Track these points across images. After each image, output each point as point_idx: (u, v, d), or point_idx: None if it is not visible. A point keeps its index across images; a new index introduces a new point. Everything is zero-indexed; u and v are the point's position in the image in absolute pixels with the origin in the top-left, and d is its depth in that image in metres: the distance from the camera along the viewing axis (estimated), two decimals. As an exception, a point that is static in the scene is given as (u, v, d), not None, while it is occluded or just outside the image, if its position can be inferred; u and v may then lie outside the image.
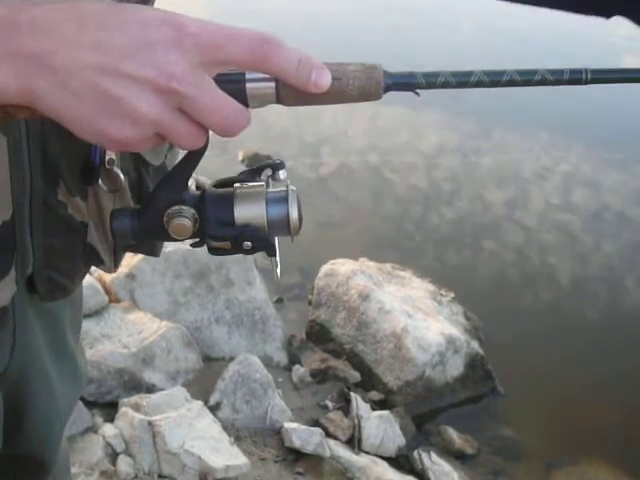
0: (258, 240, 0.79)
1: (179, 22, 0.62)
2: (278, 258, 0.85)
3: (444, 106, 7.24)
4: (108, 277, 3.24)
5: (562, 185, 6.11)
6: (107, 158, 0.90)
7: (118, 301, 3.23)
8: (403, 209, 5.52)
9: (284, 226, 0.80)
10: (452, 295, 4.10)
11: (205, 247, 0.82)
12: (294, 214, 0.80)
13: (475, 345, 3.80)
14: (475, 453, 3.44)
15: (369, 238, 5.09)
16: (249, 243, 0.78)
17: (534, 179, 6.20)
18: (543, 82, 0.70)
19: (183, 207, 0.77)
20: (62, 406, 1.13)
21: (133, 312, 3.17)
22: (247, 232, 0.78)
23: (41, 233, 0.88)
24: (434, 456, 3.23)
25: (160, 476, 2.55)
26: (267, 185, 0.82)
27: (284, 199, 0.80)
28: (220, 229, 0.78)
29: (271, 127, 6.81)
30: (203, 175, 3.89)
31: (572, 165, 6.50)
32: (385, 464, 3.11)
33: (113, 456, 2.57)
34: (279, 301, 4.13)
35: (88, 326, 2.95)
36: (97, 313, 3.07)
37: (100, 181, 0.91)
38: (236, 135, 0.67)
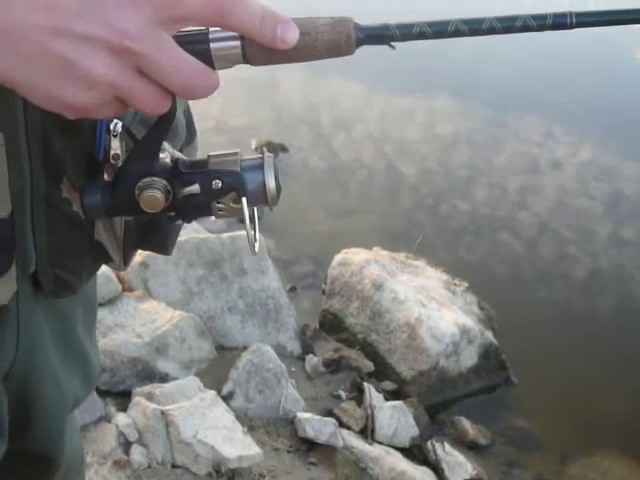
0: (228, 176, 0.76)
1: None
2: (257, 228, 0.82)
3: (459, 94, 7.21)
4: (121, 266, 3.24)
5: (578, 175, 6.08)
6: (112, 153, 0.86)
7: (131, 290, 3.23)
8: (417, 198, 5.51)
9: (261, 195, 0.77)
10: (466, 285, 4.08)
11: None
12: (271, 182, 0.77)
13: (489, 335, 3.79)
14: (489, 444, 3.43)
15: (383, 227, 5.07)
16: (219, 181, 0.75)
17: (550, 169, 6.17)
18: (525, 28, 0.67)
19: (154, 178, 0.74)
20: (70, 403, 1.12)
21: (146, 301, 3.17)
22: (216, 171, 0.76)
23: (44, 230, 0.85)
24: (447, 446, 3.23)
25: (173, 466, 2.55)
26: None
27: (259, 166, 0.77)
28: (189, 174, 0.76)
29: (285, 115, 6.81)
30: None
31: (588, 155, 6.46)
32: (398, 454, 3.11)
33: (126, 445, 2.57)
34: (292, 290, 4.12)
35: (102, 315, 2.94)
36: (110, 302, 3.07)
37: (106, 177, 0.88)
38: (202, 97, 0.63)
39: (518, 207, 5.48)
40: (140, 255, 3.26)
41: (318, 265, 4.37)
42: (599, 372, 3.90)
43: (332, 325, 3.89)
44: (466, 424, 3.44)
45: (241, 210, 0.77)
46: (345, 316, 3.86)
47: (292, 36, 0.63)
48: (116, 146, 0.86)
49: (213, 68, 0.65)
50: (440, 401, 3.58)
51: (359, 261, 3.96)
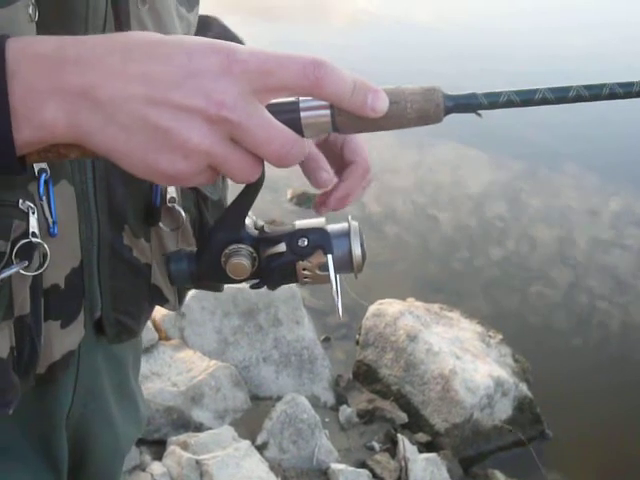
0: (314, 234, 0.76)
1: (227, 49, 0.59)
2: (340, 292, 0.79)
3: (492, 146, 7.23)
4: (158, 315, 3.28)
5: (612, 226, 6.04)
6: (168, 197, 0.89)
7: (168, 339, 3.26)
8: (451, 249, 5.51)
9: (346, 262, 0.77)
10: (500, 337, 4.06)
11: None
12: (357, 249, 0.77)
13: (524, 388, 3.76)
14: (523, 498, 3.39)
15: (417, 278, 5.07)
16: (305, 239, 0.75)
17: (583, 220, 6.15)
18: (612, 96, 0.67)
19: (241, 246, 0.74)
20: (125, 447, 1.15)
21: (182, 350, 3.20)
22: (302, 230, 0.76)
23: (108, 278, 0.89)
24: (482, 500, 3.20)
25: (207, 515, 2.55)
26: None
27: (346, 233, 0.78)
28: (275, 234, 0.76)
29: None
30: (252, 213, 3.93)
31: (622, 206, 6.43)
32: (432, 507, 3.08)
33: (161, 494, 2.58)
34: (326, 340, 4.13)
35: (138, 364, 2.97)
36: (147, 351, 3.10)
37: (161, 221, 0.92)
38: (292, 165, 0.64)
39: (552, 258, 5.46)
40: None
41: (352, 316, 4.37)
42: (637, 427, 3.85)
43: (366, 376, 3.88)
44: (500, 478, 3.40)
45: (327, 270, 0.76)
46: (379, 367, 3.85)
47: (382, 105, 0.64)
48: (172, 190, 0.90)
49: (302, 136, 0.65)
50: (474, 454, 3.55)
51: (393, 312, 3.97)
